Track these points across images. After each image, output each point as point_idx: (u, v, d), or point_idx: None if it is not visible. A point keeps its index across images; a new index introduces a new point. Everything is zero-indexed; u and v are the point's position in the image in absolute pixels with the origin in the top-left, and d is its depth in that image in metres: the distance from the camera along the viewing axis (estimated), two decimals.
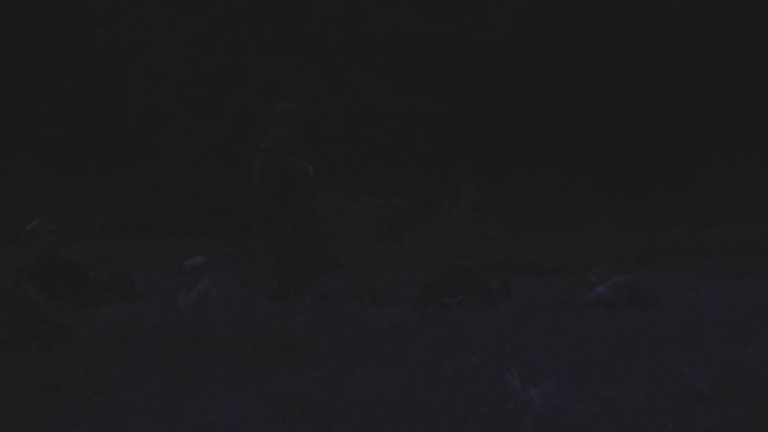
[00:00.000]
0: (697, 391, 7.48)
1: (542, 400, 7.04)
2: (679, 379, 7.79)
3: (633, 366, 8.44)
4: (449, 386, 7.82)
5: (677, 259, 19.61)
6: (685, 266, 18.33)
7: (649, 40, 28.65)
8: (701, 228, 23.18)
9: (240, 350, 9.56)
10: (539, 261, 19.37)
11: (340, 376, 8.26)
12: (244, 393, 7.77)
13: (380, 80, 26.24)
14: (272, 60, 25.67)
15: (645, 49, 28.63)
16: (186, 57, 25.77)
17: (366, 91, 25.91)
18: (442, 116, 25.80)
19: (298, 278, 13.63)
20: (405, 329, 10.90)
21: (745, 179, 27.19)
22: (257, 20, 25.71)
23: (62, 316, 11.73)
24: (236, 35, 25.71)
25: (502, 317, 11.58)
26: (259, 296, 13.37)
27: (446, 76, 28.01)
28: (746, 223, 23.37)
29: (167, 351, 9.48)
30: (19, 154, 29.26)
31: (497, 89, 28.84)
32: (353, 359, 9.11)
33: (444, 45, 26.57)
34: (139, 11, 26.08)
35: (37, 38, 29.66)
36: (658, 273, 16.74)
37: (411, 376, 8.27)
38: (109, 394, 7.95)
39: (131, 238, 23.64)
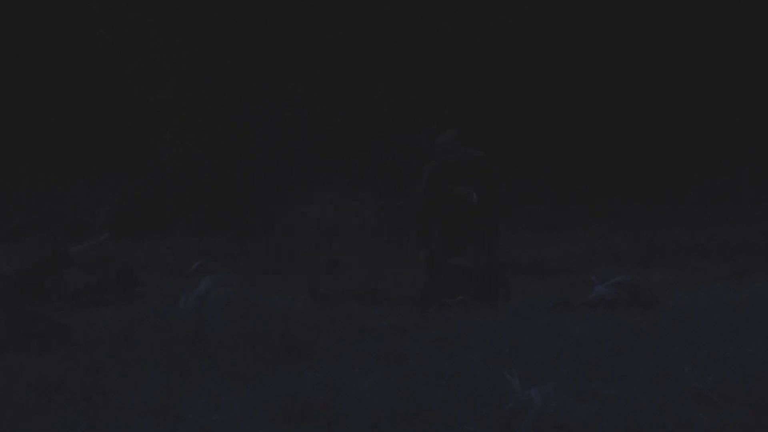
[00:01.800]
0: (697, 391, 7.48)
1: (542, 400, 7.04)
2: (679, 379, 7.78)
3: (633, 366, 8.43)
4: (449, 386, 7.82)
5: (677, 259, 19.62)
6: (685, 266, 18.34)
7: (649, 40, 28.66)
8: (701, 228, 23.19)
9: (240, 350, 9.57)
10: (539, 261, 19.39)
11: (340, 376, 8.25)
12: (244, 393, 7.77)
13: (380, 80, 26.25)
14: (272, 60, 25.68)
15: (645, 49, 28.64)
16: (186, 57, 25.79)
17: (366, 91, 25.92)
18: (442, 116, 25.80)
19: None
20: (405, 329, 10.90)
21: (745, 179, 27.21)
22: (257, 20, 25.72)
23: (62, 316, 11.72)
24: (236, 35, 25.71)
25: (502, 317, 11.58)
26: (261, 297, 13.39)
27: (446, 76, 28.02)
28: (746, 223, 23.38)
29: (167, 351, 9.48)
30: (19, 154, 29.28)
31: (497, 89, 28.85)
32: (353, 359, 9.11)
33: (444, 45, 26.58)
34: (139, 11, 26.08)
35: (37, 38, 29.68)
36: (658, 273, 16.74)
37: (411, 376, 8.26)
38: (109, 394, 7.94)
39: (131, 238, 23.65)
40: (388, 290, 14.78)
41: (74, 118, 29.69)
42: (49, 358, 9.41)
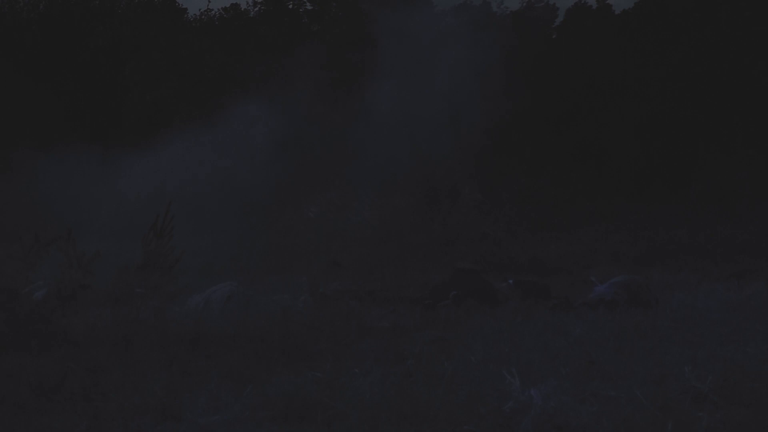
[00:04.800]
0: (697, 391, 7.49)
1: (542, 400, 7.04)
2: (679, 379, 7.79)
3: (633, 366, 8.44)
4: (449, 386, 7.82)
5: (677, 259, 19.63)
6: (685, 266, 18.36)
7: (649, 41, 28.65)
8: (701, 228, 23.20)
9: (240, 350, 9.57)
10: (539, 261, 19.40)
11: (340, 376, 8.26)
12: (244, 393, 7.77)
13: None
14: (272, 60, 25.69)
15: (644, 49, 28.64)
16: (186, 57, 25.80)
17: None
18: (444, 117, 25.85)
19: None
20: (405, 329, 10.90)
21: (745, 179, 27.23)
22: (257, 20, 25.73)
23: (62, 316, 11.71)
24: (236, 35, 25.73)
25: (502, 317, 11.59)
26: (261, 297, 13.38)
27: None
28: (746, 223, 23.39)
29: (167, 351, 9.48)
30: (19, 153, 29.28)
31: (496, 89, 28.86)
32: (353, 359, 9.11)
33: None
34: (139, 11, 26.11)
35: (38, 38, 29.68)
36: (658, 273, 16.76)
37: (411, 376, 8.27)
38: (109, 394, 7.94)
39: (131, 238, 23.60)
40: (388, 290, 14.79)
41: (74, 117, 29.70)
42: (49, 358, 9.41)
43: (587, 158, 28.74)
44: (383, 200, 24.99)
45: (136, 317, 11.12)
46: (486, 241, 22.59)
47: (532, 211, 26.09)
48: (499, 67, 26.61)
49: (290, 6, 29.81)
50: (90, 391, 8.03)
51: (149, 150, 26.67)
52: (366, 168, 25.53)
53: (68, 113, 29.64)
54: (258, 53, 26.38)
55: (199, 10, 33.05)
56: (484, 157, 27.88)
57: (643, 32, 28.79)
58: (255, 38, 26.99)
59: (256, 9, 31.26)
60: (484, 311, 12.21)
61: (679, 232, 22.87)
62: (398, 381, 8.03)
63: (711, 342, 9.41)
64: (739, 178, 27.26)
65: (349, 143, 25.76)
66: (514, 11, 31.80)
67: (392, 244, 22.67)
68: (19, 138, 29.42)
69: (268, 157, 25.20)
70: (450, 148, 26.69)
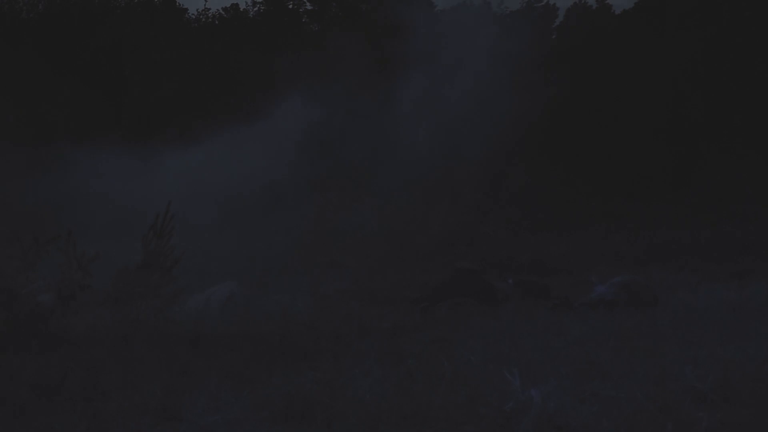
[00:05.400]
0: (697, 391, 7.48)
1: (542, 400, 7.04)
2: (679, 379, 7.79)
3: (633, 366, 8.44)
4: (449, 386, 7.82)
5: (677, 259, 19.65)
6: (685, 266, 18.37)
7: (649, 41, 28.64)
8: (701, 228, 23.21)
9: (240, 350, 9.57)
10: (539, 261, 19.41)
11: (340, 376, 8.25)
12: (244, 393, 7.77)
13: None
14: (273, 60, 25.68)
15: (644, 49, 28.63)
16: (186, 56, 25.80)
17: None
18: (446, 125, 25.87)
19: None
20: (405, 329, 10.90)
21: (745, 179, 27.23)
22: (257, 20, 25.73)
23: (62, 316, 11.70)
24: (236, 34, 25.73)
25: (502, 317, 11.59)
26: (261, 297, 13.39)
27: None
28: (746, 223, 23.40)
29: (167, 351, 9.48)
30: (20, 153, 29.28)
31: (495, 90, 28.86)
32: (353, 359, 9.11)
33: None
34: (140, 11, 26.12)
35: (38, 38, 29.67)
36: (658, 273, 16.76)
37: (411, 376, 8.26)
38: (109, 394, 7.94)
39: (132, 239, 23.58)
40: (388, 290, 14.79)
41: (73, 117, 29.69)
42: (49, 358, 9.40)
43: (587, 158, 28.73)
44: (384, 200, 25.00)
45: (136, 317, 11.11)
46: (486, 241, 22.59)
47: (532, 211, 26.09)
48: (499, 68, 26.62)
49: (290, 6, 29.84)
50: (90, 391, 8.02)
51: (148, 151, 26.67)
52: (368, 169, 25.53)
53: (67, 113, 29.63)
54: (258, 53, 26.38)
55: (197, 10, 33.13)
56: (486, 158, 27.89)
57: (643, 32, 28.79)
58: (256, 37, 27.01)
59: (255, 9, 31.28)
60: (484, 311, 12.20)
61: (679, 232, 22.88)
62: (398, 381, 8.03)
63: (711, 342, 9.40)
64: (739, 178, 27.26)
65: (354, 147, 25.77)
66: (514, 11, 31.80)
67: (392, 244, 22.66)
68: (20, 138, 29.41)
69: (269, 158, 25.21)
70: (452, 151, 26.69)
